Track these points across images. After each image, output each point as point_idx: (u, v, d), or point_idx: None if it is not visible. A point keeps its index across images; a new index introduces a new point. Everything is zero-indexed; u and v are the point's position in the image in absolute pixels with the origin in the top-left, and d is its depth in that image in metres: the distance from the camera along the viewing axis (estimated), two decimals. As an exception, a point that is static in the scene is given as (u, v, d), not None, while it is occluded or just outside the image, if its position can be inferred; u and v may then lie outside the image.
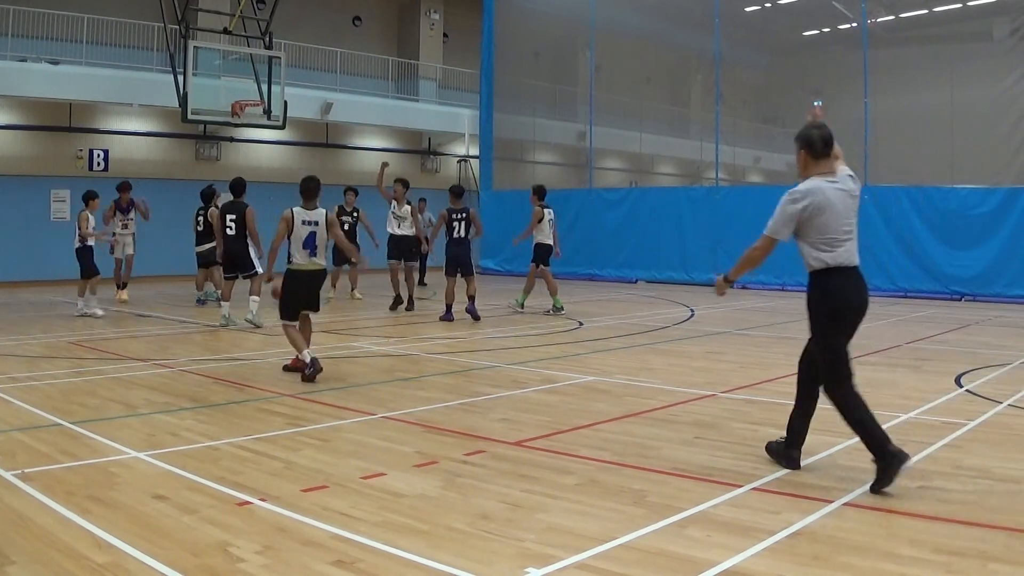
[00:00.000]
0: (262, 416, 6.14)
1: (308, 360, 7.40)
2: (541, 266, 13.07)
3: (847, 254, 4.65)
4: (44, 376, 7.62)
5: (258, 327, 10.92)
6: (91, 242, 12.36)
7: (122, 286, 14.53)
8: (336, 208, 14.57)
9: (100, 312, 12.21)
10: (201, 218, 13.63)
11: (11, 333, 10.43)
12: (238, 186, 11.56)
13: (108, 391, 6.97)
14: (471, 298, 12.14)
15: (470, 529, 3.83)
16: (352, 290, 15.28)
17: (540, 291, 13.52)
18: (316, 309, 7.92)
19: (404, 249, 13.30)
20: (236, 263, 11.45)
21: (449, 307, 12.05)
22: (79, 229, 12.27)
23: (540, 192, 13.27)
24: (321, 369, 7.39)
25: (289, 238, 7.66)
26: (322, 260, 7.78)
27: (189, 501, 4.15)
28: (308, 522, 3.88)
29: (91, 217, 12.45)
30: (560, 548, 3.58)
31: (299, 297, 7.68)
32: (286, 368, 7.94)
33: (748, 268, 4.96)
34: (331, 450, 5.22)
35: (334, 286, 15.05)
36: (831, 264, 4.64)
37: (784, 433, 4.91)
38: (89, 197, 12.50)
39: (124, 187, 14.40)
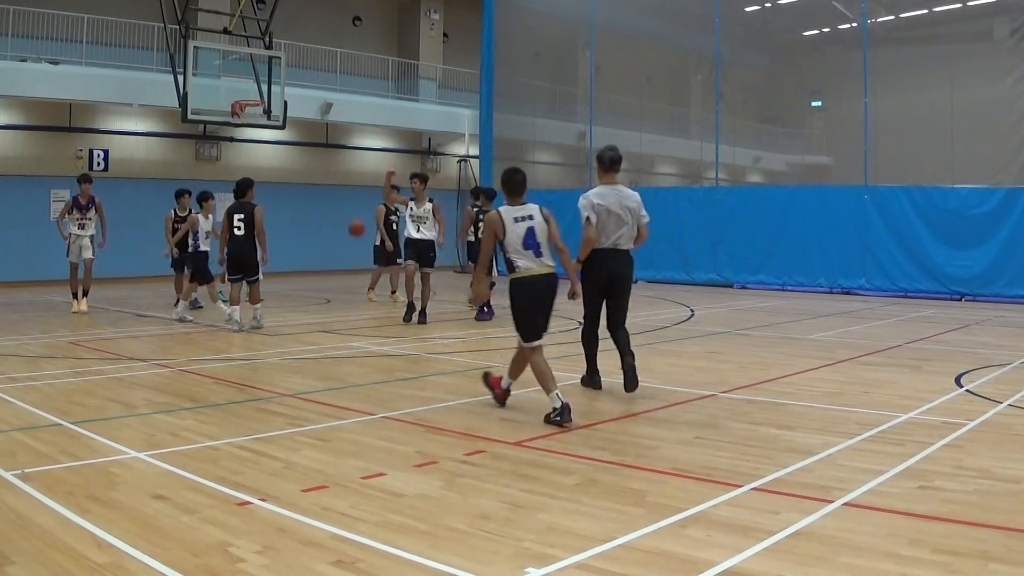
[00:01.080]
0: (262, 416, 6.14)
1: (559, 404, 5.89)
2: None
3: (614, 240, 6.95)
4: (44, 376, 7.61)
5: (260, 328, 10.88)
6: (204, 246, 11.78)
7: (82, 294, 12.64)
8: (383, 207, 14.46)
9: (189, 317, 11.79)
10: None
11: (11, 333, 10.43)
12: (243, 186, 10.93)
13: (108, 391, 6.97)
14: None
15: (470, 529, 3.83)
16: (394, 292, 14.90)
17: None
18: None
19: (423, 253, 11.85)
20: (242, 266, 10.79)
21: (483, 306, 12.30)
22: (191, 233, 11.80)
23: (490, 194, 13.35)
24: (569, 418, 5.86)
25: (503, 244, 6.16)
26: (551, 261, 6.22)
27: (189, 501, 4.15)
28: (308, 522, 3.88)
29: (203, 220, 11.85)
30: (560, 548, 3.58)
31: (538, 309, 6.13)
32: (494, 390, 6.53)
33: (586, 248, 6.89)
34: (331, 450, 5.22)
35: (372, 288, 15.02)
36: (599, 247, 6.92)
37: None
38: (203, 199, 11.82)
39: (84, 179, 12.61)
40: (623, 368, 6.81)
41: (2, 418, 5.89)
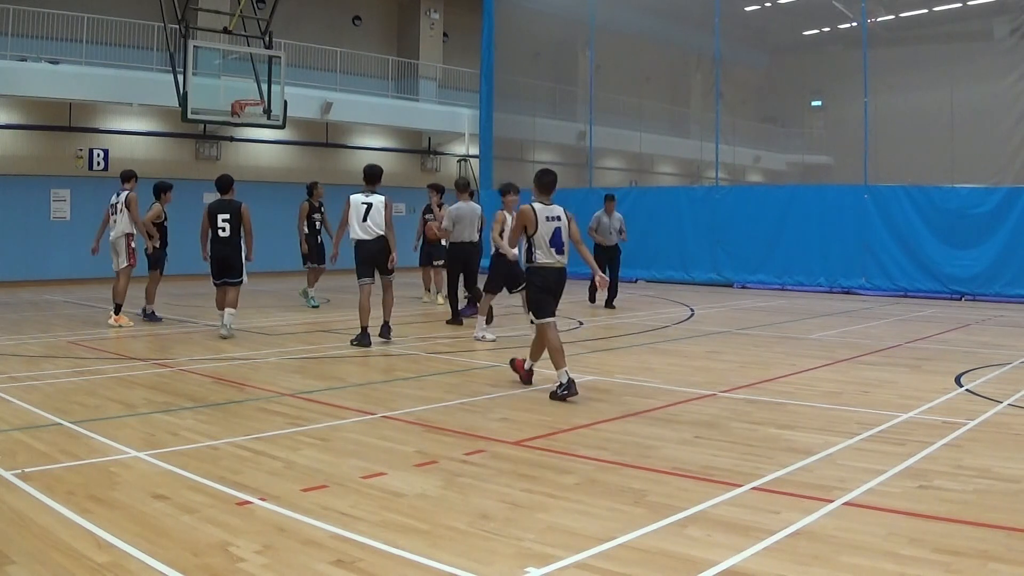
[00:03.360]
0: (262, 416, 6.14)
1: (566, 380, 6.60)
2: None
3: (468, 237, 11.23)
4: (44, 376, 7.61)
5: (230, 337, 10.05)
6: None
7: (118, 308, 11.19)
8: (425, 206, 14.26)
9: (491, 336, 10.10)
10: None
11: (11, 333, 10.42)
12: (228, 182, 10.26)
13: (108, 391, 6.97)
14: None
15: (470, 529, 3.83)
16: (439, 292, 14.32)
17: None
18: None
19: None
20: (227, 268, 10.11)
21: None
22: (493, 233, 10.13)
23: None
24: (575, 392, 6.58)
25: (532, 238, 6.83)
26: (566, 259, 6.99)
27: (189, 501, 4.15)
28: (308, 522, 3.88)
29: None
30: (560, 548, 3.58)
31: (551, 294, 6.92)
32: (522, 373, 7.29)
33: (443, 235, 11.73)
34: (331, 450, 5.22)
35: (428, 289, 14.80)
36: (460, 241, 11.21)
37: None
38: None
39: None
40: (462, 311, 11.49)
41: (2, 418, 5.89)
